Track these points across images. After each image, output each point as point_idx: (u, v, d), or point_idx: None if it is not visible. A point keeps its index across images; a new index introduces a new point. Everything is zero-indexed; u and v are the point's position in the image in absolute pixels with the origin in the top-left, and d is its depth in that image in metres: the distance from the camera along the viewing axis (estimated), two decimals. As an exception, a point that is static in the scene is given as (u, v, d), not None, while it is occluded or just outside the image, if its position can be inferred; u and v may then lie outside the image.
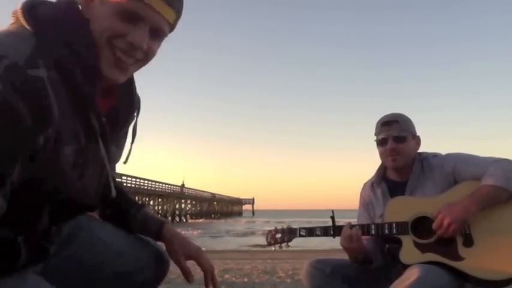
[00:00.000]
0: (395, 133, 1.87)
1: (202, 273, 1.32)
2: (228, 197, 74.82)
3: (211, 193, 62.64)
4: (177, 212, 44.52)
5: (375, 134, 1.97)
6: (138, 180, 36.62)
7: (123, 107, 1.06)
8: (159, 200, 41.72)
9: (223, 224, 34.78)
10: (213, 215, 57.74)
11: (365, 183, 2.08)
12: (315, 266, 1.82)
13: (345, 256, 1.88)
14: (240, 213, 77.47)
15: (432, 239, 1.71)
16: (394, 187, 1.93)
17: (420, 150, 1.96)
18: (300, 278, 4.32)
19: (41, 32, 0.85)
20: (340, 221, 1.94)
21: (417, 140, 1.94)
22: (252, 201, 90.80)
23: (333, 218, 1.88)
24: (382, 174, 2.00)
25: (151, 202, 39.17)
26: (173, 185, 47.21)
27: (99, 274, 1.16)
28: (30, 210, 0.88)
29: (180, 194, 47.82)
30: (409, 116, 1.97)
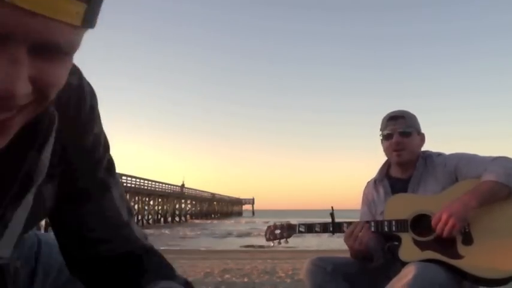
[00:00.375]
0: (400, 128, 1.89)
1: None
2: (228, 197, 74.81)
3: (211, 193, 62.65)
4: (177, 212, 44.53)
5: (381, 129, 1.98)
6: (138, 180, 36.63)
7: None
8: (159, 200, 41.71)
9: (223, 224, 34.78)
10: (213, 215, 57.76)
11: (368, 182, 2.09)
12: (316, 264, 1.82)
13: (346, 254, 1.89)
14: (240, 213, 77.45)
15: (432, 237, 1.70)
16: (397, 184, 1.94)
17: (423, 149, 1.97)
18: (300, 278, 4.32)
19: None
20: (338, 221, 1.95)
21: (422, 137, 1.96)
22: (252, 201, 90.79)
23: (332, 214, 1.88)
24: (385, 172, 2.01)
25: (151, 202, 39.19)
26: (173, 185, 47.23)
27: None
28: None
29: (180, 194, 47.84)
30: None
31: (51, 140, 0.63)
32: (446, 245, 1.67)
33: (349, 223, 1.85)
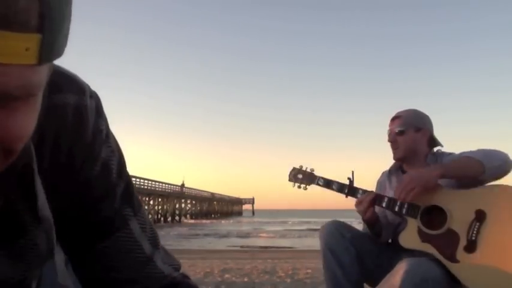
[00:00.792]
0: (396, 128, 2.01)
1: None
2: (228, 196, 74.80)
3: (211, 193, 62.64)
4: (177, 212, 44.53)
5: None
6: (138, 180, 36.63)
7: None
8: (159, 199, 41.72)
9: (223, 225, 34.79)
10: (213, 215, 57.76)
11: (383, 172, 2.17)
12: (337, 228, 1.89)
13: None
14: (240, 213, 77.46)
15: (436, 232, 1.70)
16: None
17: (436, 149, 2.05)
18: (300, 278, 4.34)
19: None
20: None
21: (423, 133, 2.01)
22: (252, 201, 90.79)
23: (350, 178, 1.95)
24: (399, 165, 2.09)
25: (151, 202, 39.20)
26: (173, 185, 47.23)
27: None
28: None
29: (180, 193, 47.84)
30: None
31: (38, 182, 0.54)
32: (447, 244, 1.67)
33: (365, 191, 1.92)
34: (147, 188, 38.94)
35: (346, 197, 1.94)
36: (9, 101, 0.37)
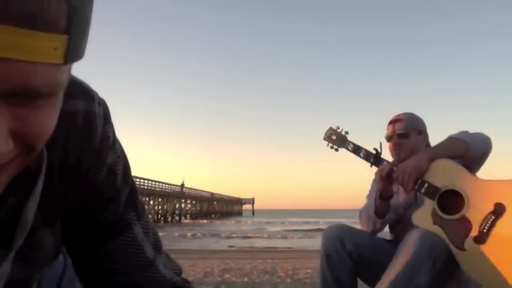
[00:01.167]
0: (398, 130, 2.02)
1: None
2: (228, 196, 74.80)
3: (211, 193, 62.62)
4: (177, 212, 44.52)
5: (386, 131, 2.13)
6: (138, 180, 36.59)
7: None
8: (159, 200, 41.71)
9: (223, 225, 34.80)
10: (213, 215, 57.73)
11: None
12: (339, 235, 1.87)
13: None
14: (240, 213, 77.46)
15: (450, 217, 1.69)
16: None
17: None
18: (300, 278, 4.33)
19: None
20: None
21: (424, 136, 2.06)
22: (252, 201, 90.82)
23: (377, 149, 1.97)
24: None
25: (151, 202, 39.19)
26: (173, 185, 47.23)
27: None
28: None
29: (180, 193, 47.83)
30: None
31: (40, 184, 0.55)
32: (458, 231, 1.66)
33: (389, 163, 1.93)
34: (147, 188, 38.93)
35: (371, 166, 1.98)
36: (34, 98, 0.39)
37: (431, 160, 1.79)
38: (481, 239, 1.63)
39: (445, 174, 1.76)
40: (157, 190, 41.72)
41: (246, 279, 4.31)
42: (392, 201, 1.99)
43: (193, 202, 52.92)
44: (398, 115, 2.08)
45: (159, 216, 40.46)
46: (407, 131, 2.01)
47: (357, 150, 2.02)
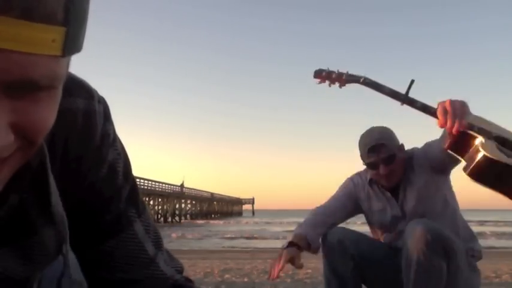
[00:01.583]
0: (384, 155, 1.85)
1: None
2: (228, 196, 74.77)
3: (211, 193, 62.59)
4: (176, 212, 44.51)
5: (361, 157, 1.94)
6: (138, 180, 36.26)
7: None
8: (159, 200, 41.69)
9: (223, 225, 34.79)
10: (213, 215, 57.71)
11: (360, 173, 2.06)
12: (340, 240, 1.85)
13: None
14: (240, 213, 77.41)
15: None
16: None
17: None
18: (300, 278, 4.33)
19: None
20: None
21: (401, 148, 1.94)
22: (252, 201, 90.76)
23: (409, 87, 1.54)
24: (375, 180, 2.00)
25: (151, 202, 39.17)
26: (173, 185, 47.23)
27: None
28: None
29: (180, 193, 47.81)
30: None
31: (51, 178, 0.55)
32: None
33: (427, 107, 1.53)
34: (147, 188, 38.92)
35: (402, 104, 1.55)
36: (34, 90, 0.39)
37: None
38: None
39: (487, 124, 1.52)
40: (157, 190, 41.70)
41: (246, 279, 4.31)
42: (380, 218, 1.96)
43: (193, 202, 52.89)
44: (375, 137, 1.87)
45: (159, 216, 40.44)
46: (393, 153, 1.86)
47: (378, 86, 1.59)
